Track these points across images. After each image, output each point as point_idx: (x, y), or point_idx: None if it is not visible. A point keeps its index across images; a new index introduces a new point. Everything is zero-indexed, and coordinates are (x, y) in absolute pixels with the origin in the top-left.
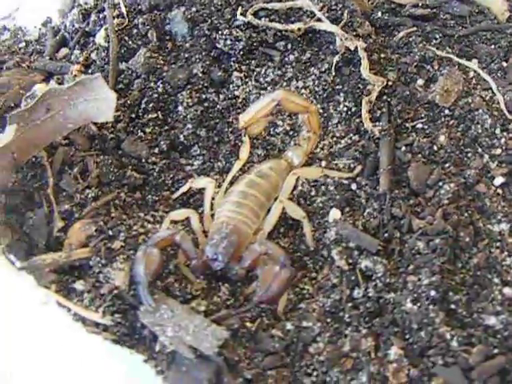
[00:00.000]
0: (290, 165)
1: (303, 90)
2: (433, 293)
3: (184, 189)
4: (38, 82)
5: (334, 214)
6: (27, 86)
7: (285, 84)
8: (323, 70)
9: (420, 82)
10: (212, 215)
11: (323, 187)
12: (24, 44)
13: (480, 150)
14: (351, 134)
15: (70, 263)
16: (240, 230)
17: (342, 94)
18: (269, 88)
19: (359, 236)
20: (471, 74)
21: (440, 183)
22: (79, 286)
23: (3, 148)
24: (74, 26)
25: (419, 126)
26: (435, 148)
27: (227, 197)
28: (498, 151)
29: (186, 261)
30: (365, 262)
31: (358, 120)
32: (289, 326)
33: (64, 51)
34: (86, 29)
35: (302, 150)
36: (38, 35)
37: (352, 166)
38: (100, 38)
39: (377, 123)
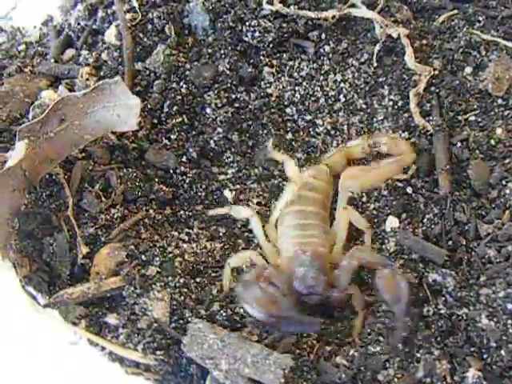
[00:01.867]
0: (331, 168)
1: (342, 84)
2: (510, 306)
3: (222, 211)
4: (44, 88)
5: (391, 222)
6: (32, 93)
7: (322, 78)
8: (363, 60)
9: (468, 69)
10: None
11: (376, 192)
12: (24, 46)
13: None
14: (400, 131)
15: (101, 295)
16: (319, 253)
17: (386, 87)
18: (304, 83)
19: (423, 246)
20: None
21: (503, 182)
22: (112, 319)
23: (14, 167)
24: (79, 23)
25: (472, 118)
26: (493, 142)
27: (284, 222)
28: None
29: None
30: (432, 275)
31: (406, 115)
32: (353, 351)
33: (70, 52)
34: (94, 26)
35: (342, 151)
36: (39, 36)
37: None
38: (110, 36)
39: (427, 118)
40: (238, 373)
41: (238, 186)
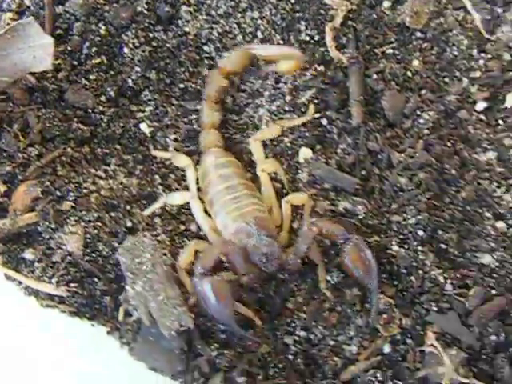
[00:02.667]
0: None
1: (260, 21)
2: (420, 232)
3: (157, 205)
4: None
5: (304, 153)
6: None
7: (239, 16)
8: None
9: (386, 3)
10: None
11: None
12: None
13: (458, 73)
14: (316, 65)
15: (17, 230)
16: (261, 218)
17: (302, 22)
18: (222, 21)
19: (335, 175)
20: None
21: (418, 112)
22: (29, 255)
23: None
24: None
25: (390, 51)
26: (409, 74)
27: (214, 204)
28: (478, 74)
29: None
30: (343, 203)
31: (322, 49)
32: None
33: None
34: None
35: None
36: None
37: (318, 99)
38: None
39: (343, 51)
40: (145, 301)
41: (155, 124)
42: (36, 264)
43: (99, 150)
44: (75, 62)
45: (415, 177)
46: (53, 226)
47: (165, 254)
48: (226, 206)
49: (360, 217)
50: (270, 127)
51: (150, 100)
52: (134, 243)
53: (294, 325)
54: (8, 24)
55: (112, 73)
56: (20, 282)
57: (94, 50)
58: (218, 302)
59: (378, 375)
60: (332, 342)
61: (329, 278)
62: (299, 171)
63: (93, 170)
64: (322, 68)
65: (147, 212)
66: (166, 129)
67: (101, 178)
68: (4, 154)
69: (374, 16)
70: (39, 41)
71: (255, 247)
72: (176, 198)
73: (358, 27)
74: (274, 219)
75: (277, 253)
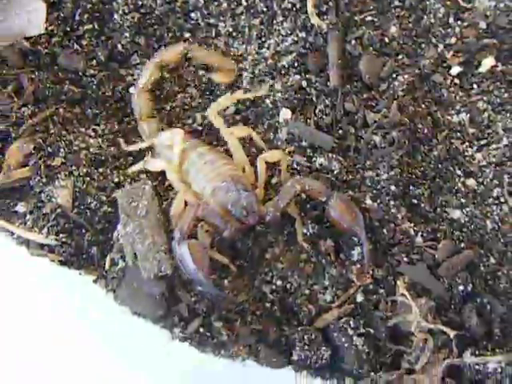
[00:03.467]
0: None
1: None
2: (393, 188)
3: (138, 167)
4: None
5: (284, 113)
6: None
7: None
8: None
9: None
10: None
11: (269, 86)
12: None
13: (434, 40)
14: (297, 31)
15: (10, 185)
16: (236, 175)
17: None
18: None
19: (312, 133)
20: None
21: (394, 75)
22: (21, 207)
23: None
24: None
25: (369, 18)
26: (386, 40)
27: (189, 171)
28: (453, 40)
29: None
30: (319, 159)
31: (303, 16)
32: None
33: None
34: None
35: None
36: None
37: (299, 61)
38: None
39: (324, 17)
40: (132, 243)
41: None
42: (27, 216)
43: (89, 110)
44: (68, 29)
45: (388, 135)
46: (44, 180)
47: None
48: (201, 170)
49: (335, 172)
50: (224, 98)
51: (138, 64)
52: (134, 188)
53: (271, 274)
54: None
55: (103, 38)
56: (12, 233)
57: (85, 16)
58: (194, 265)
59: (351, 323)
60: (307, 291)
61: (305, 230)
62: (278, 130)
63: (83, 129)
64: (303, 34)
65: (130, 170)
66: None
67: (90, 136)
68: None
69: None
70: (32, 5)
71: (234, 201)
72: (154, 165)
73: None
74: (248, 177)
75: (255, 205)
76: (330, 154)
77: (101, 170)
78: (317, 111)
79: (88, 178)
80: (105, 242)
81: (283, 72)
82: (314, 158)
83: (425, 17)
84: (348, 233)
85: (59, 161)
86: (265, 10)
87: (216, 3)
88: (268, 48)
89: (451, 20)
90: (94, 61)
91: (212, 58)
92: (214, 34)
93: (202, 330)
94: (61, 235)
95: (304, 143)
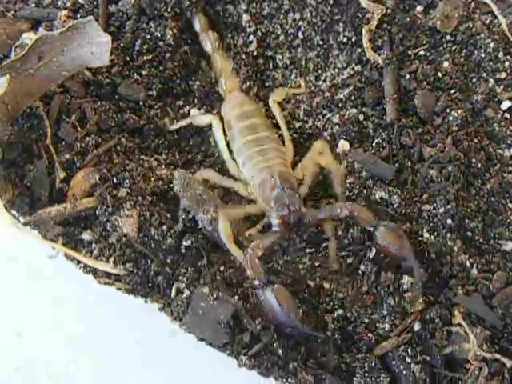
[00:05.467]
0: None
1: (301, 22)
2: (449, 221)
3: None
4: (25, 30)
5: (343, 145)
6: (14, 35)
7: (282, 17)
8: (320, 0)
9: (419, 8)
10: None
11: (326, 119)
12: None
13: (485, 74)
14: (353, 64)
15: (76, 214)
16: (285, 172)
17: (341, 24)
18: (265, 22)
19: (374, 162)
20: None
21: (447, 110)
22: (87, 236)
23: None
24: None
25: (422, 53)
26: (439, 75)
27: (241, 154)
28: (503, 75)
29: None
30: (379, 192)
31: (359, 50)
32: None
33: None
34: None
35: None
36: None
37: (356, 95)
38: None
39: (379, 52)
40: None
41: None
42: (93, 245)
43: (150, 140)
44: (127, 58)
45: (444, 170)
46: (110, 209)
47: None
48: (253, 157)
49: (395, 206)
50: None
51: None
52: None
53: (332, 304)
54: (64, 21)
55: (161, 69)
56: (79, 262)
57: (145, 47)
58: (284, 311)
59: (409, 351)
60: (366, 320)
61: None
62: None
63: (146, 158)
64: (358, 67)
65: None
66: None
67: (152, 166)
68: (63, 143)
69: (408, 20)
70: (97, 38)
71: (277, 198)
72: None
73: (392, 30)
74: (296, 174)
75: (297, 203)
76: (390, 188)
77: (164, 200)
78: (374, 144)
79: (153, 208)
80: (170, 272)
81: (340, 105)
82: (373, 191)
83: (475, 51)
84: (397, 259)
85: (124, 191)
86: (321, 43)
87: (273, 36)
88: (324, 81)
89: (501, 54)
90: (154, 91)
91: None
92: (271, 66)
93: (265, 357)
94: (127, 264)
95: (363, 174)
